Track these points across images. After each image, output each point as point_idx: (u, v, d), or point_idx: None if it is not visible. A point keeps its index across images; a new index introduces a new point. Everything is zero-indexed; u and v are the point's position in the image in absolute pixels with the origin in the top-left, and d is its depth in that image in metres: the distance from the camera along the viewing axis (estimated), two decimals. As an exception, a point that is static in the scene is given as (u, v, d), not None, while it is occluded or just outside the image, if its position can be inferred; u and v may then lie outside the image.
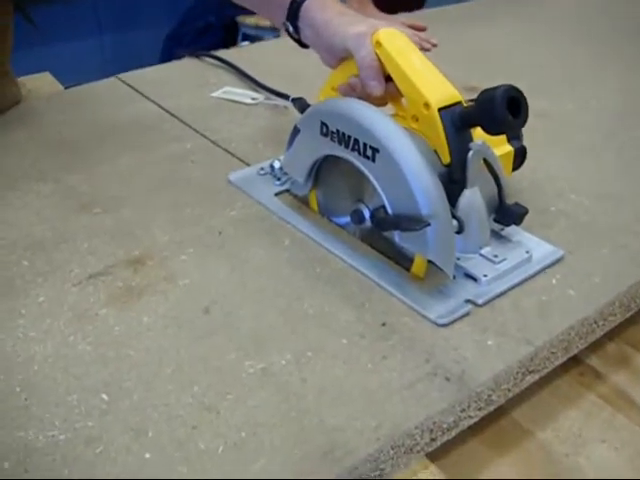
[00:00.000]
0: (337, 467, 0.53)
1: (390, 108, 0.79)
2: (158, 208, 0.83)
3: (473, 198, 0.72)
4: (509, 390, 0.63)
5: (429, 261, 0.70)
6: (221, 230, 0.79)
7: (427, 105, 0.70)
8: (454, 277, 0.71)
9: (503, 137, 0.79)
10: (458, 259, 0.72)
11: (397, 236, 0.70)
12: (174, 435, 0.55)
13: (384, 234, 0.73)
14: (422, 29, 1.19)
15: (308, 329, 0.65)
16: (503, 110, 0.67)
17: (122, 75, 1.22)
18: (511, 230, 0.77)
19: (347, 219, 0.78)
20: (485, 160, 0.72)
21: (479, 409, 0.61)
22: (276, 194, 0.86)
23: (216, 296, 0.69)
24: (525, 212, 0.74)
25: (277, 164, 0.88)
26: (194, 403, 0.58)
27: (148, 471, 0.52)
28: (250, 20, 3.01)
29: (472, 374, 0.61)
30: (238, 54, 1.30)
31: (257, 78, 1.18)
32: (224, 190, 0.87)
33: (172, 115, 1.08)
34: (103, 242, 0.77)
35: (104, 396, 0.58)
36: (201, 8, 2.26)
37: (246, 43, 1.35)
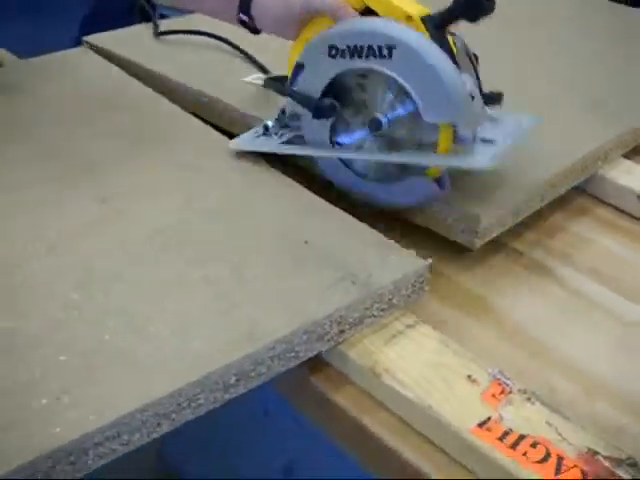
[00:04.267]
0: (257, 344, 0.66)
1: None
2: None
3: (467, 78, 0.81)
4: (409, 296, 0.77)
5: None
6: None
7: (409, 17, 0.79)
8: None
9: None
10: None
11: (421, 106, 0.78)
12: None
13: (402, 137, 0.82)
14: None
15: (244, 244, 0.79)
16: None
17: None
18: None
19: (357, 135, 0.86)
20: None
21: (382, 310, 0.74)
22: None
23: (168, 221, 0.82)
24: (502, 93, 0.86)
25: (270, 122, 0.92)
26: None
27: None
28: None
29: (376, 280, 0.74)
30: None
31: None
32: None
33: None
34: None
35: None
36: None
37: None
